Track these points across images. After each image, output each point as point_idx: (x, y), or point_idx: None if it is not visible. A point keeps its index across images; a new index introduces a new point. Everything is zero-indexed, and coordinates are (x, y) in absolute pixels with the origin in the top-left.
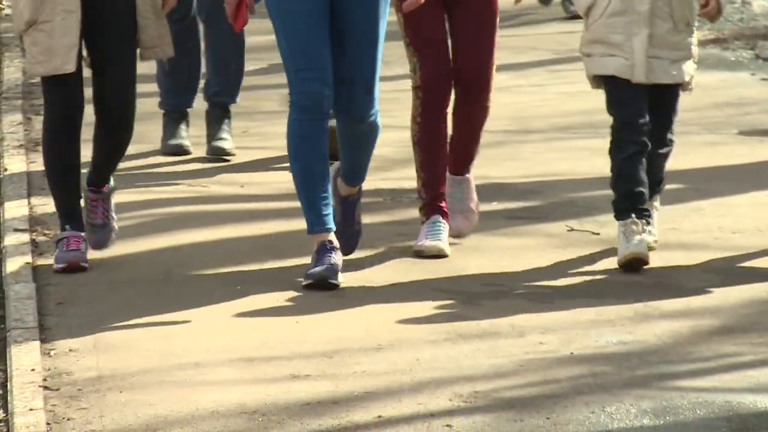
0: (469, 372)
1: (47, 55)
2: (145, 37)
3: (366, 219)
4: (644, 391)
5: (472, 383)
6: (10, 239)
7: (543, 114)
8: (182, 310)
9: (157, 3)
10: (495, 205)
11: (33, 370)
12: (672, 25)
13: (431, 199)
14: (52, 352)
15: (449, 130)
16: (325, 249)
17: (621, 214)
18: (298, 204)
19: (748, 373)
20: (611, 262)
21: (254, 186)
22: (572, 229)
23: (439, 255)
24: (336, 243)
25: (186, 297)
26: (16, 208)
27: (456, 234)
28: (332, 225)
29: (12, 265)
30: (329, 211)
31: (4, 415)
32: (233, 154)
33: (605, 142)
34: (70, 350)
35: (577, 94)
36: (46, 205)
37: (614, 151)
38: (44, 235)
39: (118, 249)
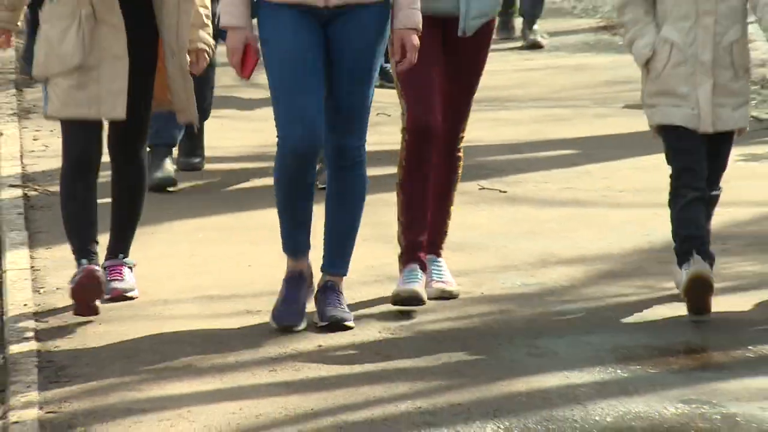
0: (394, 309)
1: (95, 100)
2: (176, 88)
3: None
4: (543, 326)
5: (397, 319)
6: (6, 193)
7: None
8: (151, 256)
9: (184, 66)
10: None
11: (25, 305)
12: (733, 73)
13: (410, 247)
14: (41, 290)
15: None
16: (294, 281)
17: (683, 257)
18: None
19: (632, 311)
20: (516, 213)
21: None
22: (483, 188)
23: (415, 298)
24: (306, 273)
25: (153, 245)
26: (11, 167)
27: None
28: (308, 247)
29: (7, 215)
30: (306, 236)
31: None
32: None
33: (510, 114)
34: (57, 288)
35: (486, 72)
36: (36, 165)
37: (675, 199)
38: (35, 190)
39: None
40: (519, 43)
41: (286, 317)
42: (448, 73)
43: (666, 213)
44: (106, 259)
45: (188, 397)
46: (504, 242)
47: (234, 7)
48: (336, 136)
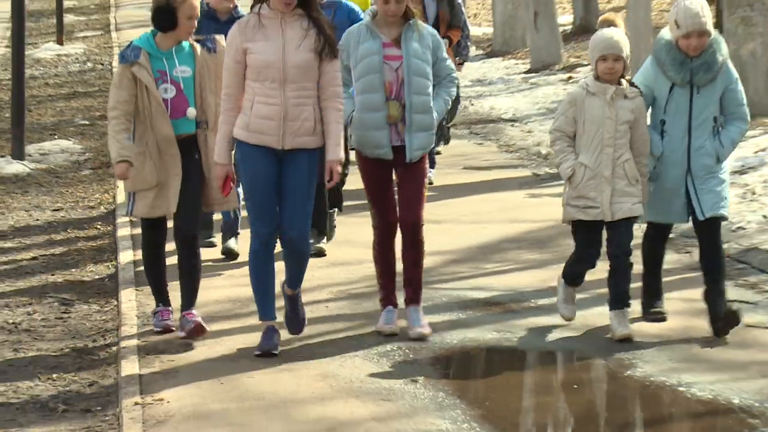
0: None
1: (165, 203)
2: (215, 196)
3: None
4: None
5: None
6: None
7: None
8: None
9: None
10: None
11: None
12: (627, 181)
13: (386, 295)
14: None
15: (403, 269)
16: (269, 331)
17: (567, 280)
18: None
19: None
20: None
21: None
22: None
23: (394, 334)
24: (275, 327)
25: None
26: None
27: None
28: (275, 316)
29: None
30: (273, 307)
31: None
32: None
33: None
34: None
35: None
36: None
37: (576, 259)
38: None
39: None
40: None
41: (266, 347)
42: (401, 187)
43: None
44: (182, 310)
45: None
46: None
47: (220, 149)
48: (285, 229)
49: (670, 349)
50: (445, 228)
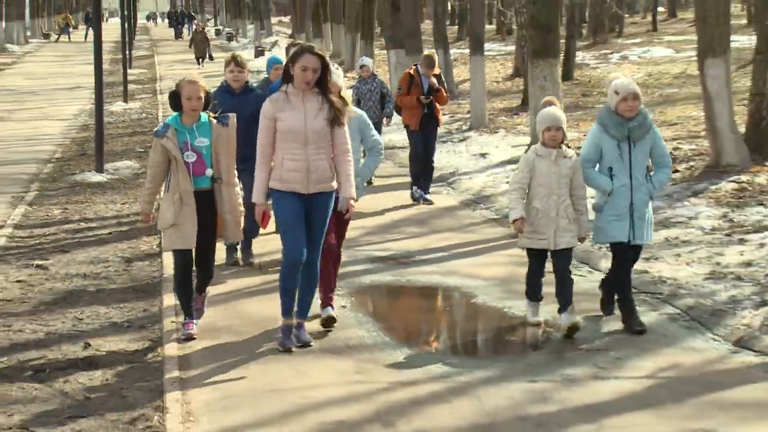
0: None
1: (184, 239)
2: (226, 232)
3: None
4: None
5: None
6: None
7: None
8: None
9: (235, 209)
10: None
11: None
12: (568, 221)
13: (325, 299)
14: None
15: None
16: (287, 329)
17: (530, 297)
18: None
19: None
20: None
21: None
22: None
23: (331, 320)
24: (292, 325)
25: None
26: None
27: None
28: (293, 316)
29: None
30: (293, 310)
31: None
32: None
33: None
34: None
35: None
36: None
37: (528, 279)
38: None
39: None
40: None
41: (285, 343)
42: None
43: None
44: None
45: None
46: None
47: (258, 193)
48: (308, 252)
49: (504, 284)
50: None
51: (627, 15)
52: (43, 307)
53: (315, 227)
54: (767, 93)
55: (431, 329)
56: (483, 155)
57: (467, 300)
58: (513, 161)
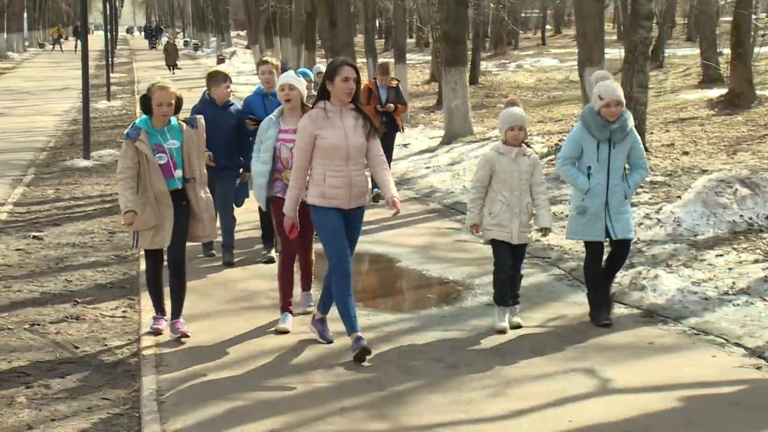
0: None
1: (162, 239)
2: (205, 230)
3: None
4: None
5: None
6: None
7: None
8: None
9: (210, 207)
10: None
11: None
12: (528, 217)
13: (284, 305)
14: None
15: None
16: (358, 339)
17: (499, 302)
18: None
19: None
20: None
21: None
22: None
23: (285, 331)
24: (358, 336)
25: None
26: None
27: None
28: (359, 329)
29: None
30: (356, 320)
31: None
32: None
33: None
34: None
35: None
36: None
37: (497, 276)
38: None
39: None
40: None
41: (359, 348)
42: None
43: None
44: (172, 318)
45: None
46: None
47: (289, 207)
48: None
49: (423, 251)
50: None
51: (521, 31)
52: (38, 271)
53: (352, 241)
54: (633, 96)
55: (363, 288)
56: (405, 145)
57: (393, 264)
58: (430, 150)
